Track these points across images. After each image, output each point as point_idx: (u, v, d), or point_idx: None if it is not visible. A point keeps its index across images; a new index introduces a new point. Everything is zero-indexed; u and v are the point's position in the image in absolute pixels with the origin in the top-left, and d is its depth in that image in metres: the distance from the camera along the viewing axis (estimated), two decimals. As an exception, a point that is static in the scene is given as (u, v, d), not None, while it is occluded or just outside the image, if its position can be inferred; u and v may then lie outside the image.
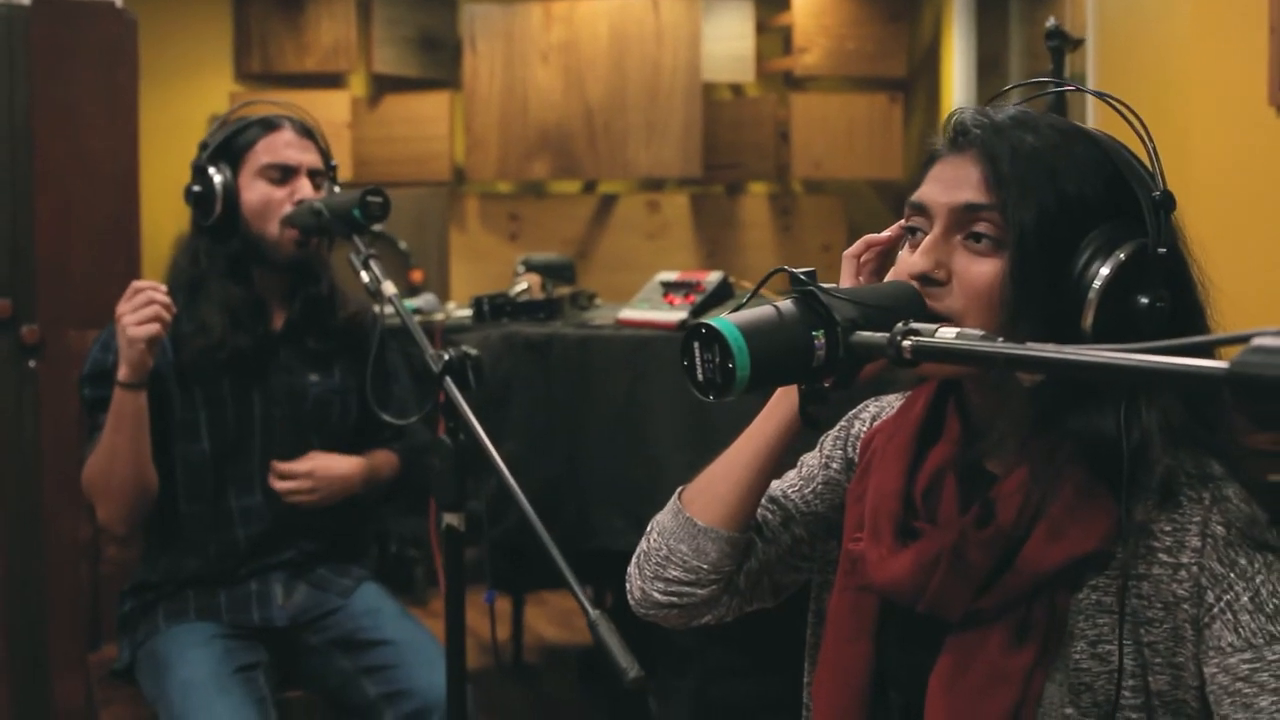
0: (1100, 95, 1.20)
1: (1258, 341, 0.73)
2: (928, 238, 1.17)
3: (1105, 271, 1.09)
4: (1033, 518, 1.14)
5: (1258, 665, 1.07)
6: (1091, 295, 1.09)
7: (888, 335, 0.97)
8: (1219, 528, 1.11)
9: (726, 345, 0.99)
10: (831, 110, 5.57)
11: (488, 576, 1.95)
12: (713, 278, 2.77)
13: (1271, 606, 1.08)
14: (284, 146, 2.30)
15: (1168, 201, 1.12)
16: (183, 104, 5.05)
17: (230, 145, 2.29)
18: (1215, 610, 1.09)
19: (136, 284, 2.12)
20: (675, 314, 2.71)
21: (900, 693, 1.25)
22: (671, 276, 2.87)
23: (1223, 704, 1.08)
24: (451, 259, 5.29)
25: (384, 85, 5.40)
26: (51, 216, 3.20)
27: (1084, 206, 1.12)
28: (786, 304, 1.04)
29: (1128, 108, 1.16)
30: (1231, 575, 1.09)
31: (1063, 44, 2.57)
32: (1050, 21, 2.57)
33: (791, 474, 1.42)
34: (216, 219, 2.26)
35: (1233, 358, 0.75)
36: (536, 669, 4.10)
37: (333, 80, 5.33)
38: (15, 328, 3.17)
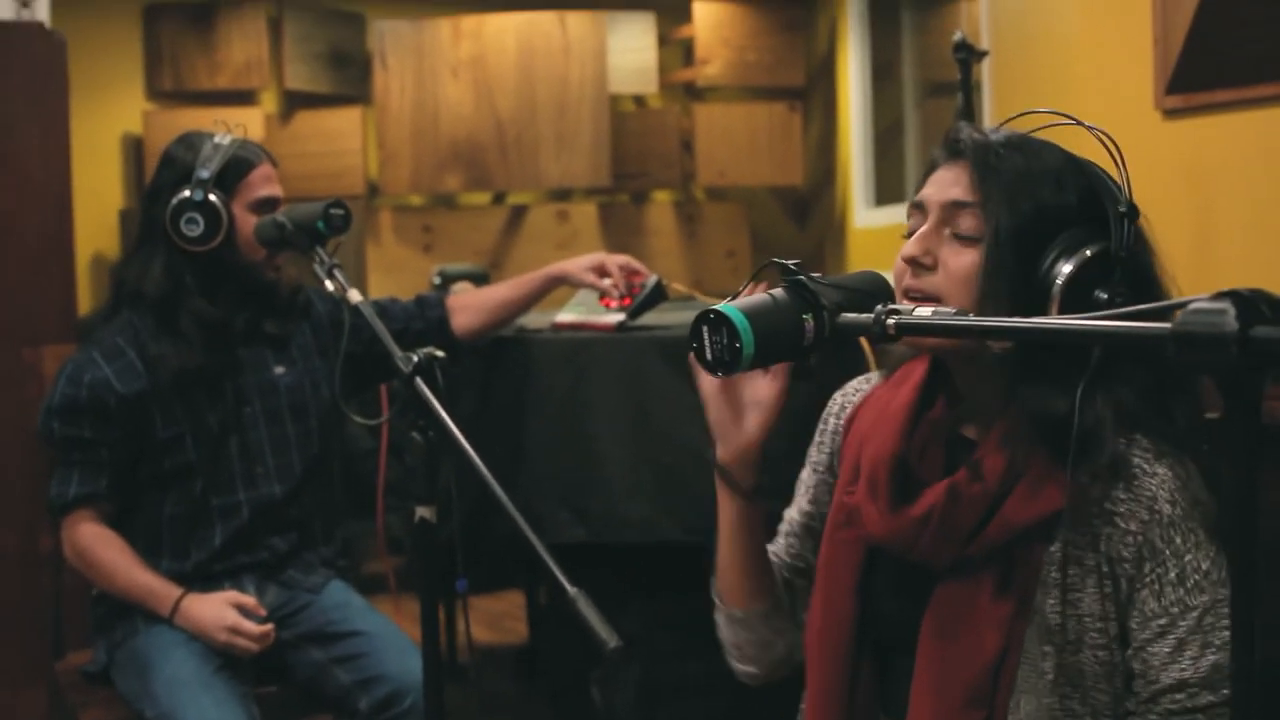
0: (1086, 126, 1.33)
1: (1194, 305, 0.90)
2: (921, 228, 1.35)
3: (1068, 269, 1.27)
4: (1014, 478, 1.31)
5: (1168, 625, 1.28)
6: (1055, 289, 1.27)
7: (871, 315, 1.12)
8: (1166, 506, 1.29)
9: (734, 328, 1.14)
10: (733, 119, 5.74)
11: (460, 565, 2.06)
12: (648, 281, 2.89)
13: (1191, 581, 1.27)
14: (267, 180, 2.37)
15: (1132, 212, 1.31)
16: (96, 123, 5.05)
17: (223, 175, 2.30)
18: (1147, 580, 1.29)
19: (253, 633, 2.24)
20: (612, 316, 2.82)
21: (878, 634, 1.42)
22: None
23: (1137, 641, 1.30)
24: (368, 271, 5.36)
25: (296, 101, 5.46)
26: (-14, 236, 3.23)
27: (1057, 214, 1.30)
28: (779, 291, 1.19)
29: (1105, 135, 1.32)
30: (1166, 552, 1.28)
31: (969, 56, 2.77)
32: (957, 35, 2.76)
33: (798, 494, 1.62)
34: (216, 245, 2.29)
35: (1174, 319, 0.92)
36: (474, 669, 4.18)
37: (245, 97, 5.36)
38: (-48, 347, 3.18)
